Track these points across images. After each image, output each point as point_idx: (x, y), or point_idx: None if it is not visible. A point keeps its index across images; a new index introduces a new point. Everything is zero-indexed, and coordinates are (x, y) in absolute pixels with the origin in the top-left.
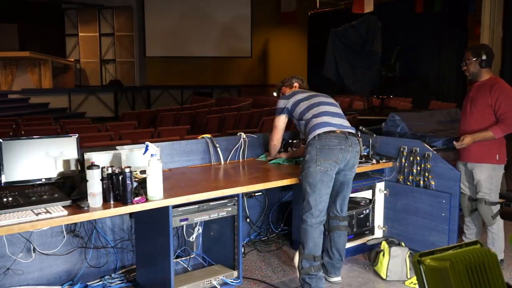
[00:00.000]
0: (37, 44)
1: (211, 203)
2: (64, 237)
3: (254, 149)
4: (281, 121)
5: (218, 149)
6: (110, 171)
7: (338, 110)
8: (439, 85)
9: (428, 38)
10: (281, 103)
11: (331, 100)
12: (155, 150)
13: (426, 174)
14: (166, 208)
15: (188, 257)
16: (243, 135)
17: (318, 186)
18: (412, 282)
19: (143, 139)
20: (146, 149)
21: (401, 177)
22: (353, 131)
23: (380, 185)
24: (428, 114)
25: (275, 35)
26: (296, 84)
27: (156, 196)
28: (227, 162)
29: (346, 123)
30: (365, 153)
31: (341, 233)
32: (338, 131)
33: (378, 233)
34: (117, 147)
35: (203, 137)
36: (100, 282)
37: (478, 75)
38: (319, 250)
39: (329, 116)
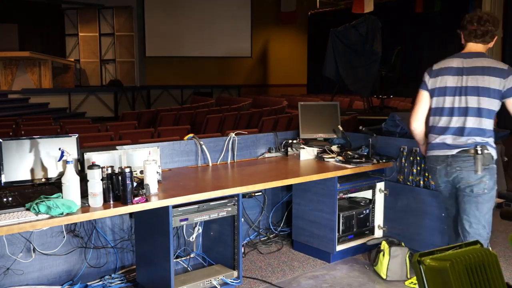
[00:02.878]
0: (37, 44)
1: (211, 203)
2: (64, 237)
3: (248, 149)
4: None
5: (205, 148)
6: (110, 171)
7: None
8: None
9: (428, 38)
10: None
11: None
12: (70, 157)
13: (426, 174)
14: (166, 208)
15: (188, 257)
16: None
17: None
18: (412, 282)
19: (143, 139)
20: (62, 155)
21: (401, 177)
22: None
23: (380, 185)
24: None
25: (275, 35)
26: None
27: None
28: (218, 164)
29: None
30: (365, 153)
31: None
32: None
33: (378, 233)
34: (117, 147)
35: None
36: (100, 282)
37: None
38: None
39: None
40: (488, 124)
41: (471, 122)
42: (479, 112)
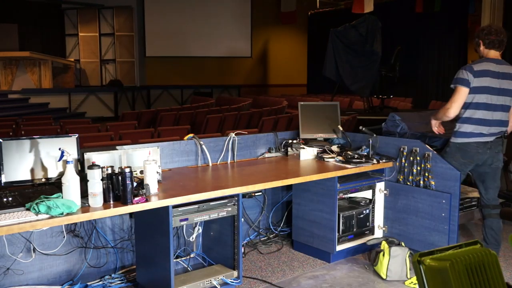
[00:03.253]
0: (37, 44)
1: (211, 203)
2: (64, 237)
3: (248, 149)
4: None
5: (205, 148)
6: (110, 171)
7: None
8: (439, 85)
9: (428, 38)
10: None
11: None
12: (70, 157)
13: (426, 174)
14: (166, 208)
15: (188, 257)
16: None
17: None
18: (412, 282)
19: (143, 139)
20: (62, 155)
21: (401, 177)
22: None
23: (380, 185)
24: (428, 114)
25: (275, 35)
26: None
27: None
28: (218, 164)
29: None
30: (365, 153)
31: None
32: None
33: (378, 233)
34: (117, 147)
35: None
36: (100, 282)
37: None
38: None
39: None
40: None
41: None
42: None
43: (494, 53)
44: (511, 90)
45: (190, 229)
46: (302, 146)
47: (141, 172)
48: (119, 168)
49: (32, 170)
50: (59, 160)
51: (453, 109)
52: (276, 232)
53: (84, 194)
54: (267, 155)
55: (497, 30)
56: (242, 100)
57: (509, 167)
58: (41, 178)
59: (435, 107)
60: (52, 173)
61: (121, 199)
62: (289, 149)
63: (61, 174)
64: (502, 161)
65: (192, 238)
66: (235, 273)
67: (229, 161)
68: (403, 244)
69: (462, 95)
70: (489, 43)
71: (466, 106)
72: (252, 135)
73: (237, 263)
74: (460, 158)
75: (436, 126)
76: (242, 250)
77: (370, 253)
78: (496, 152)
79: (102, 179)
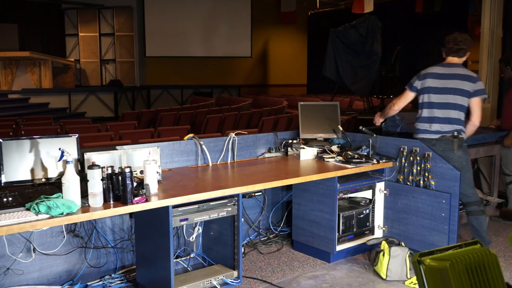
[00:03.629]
0: (37, 44)
1: (211, 203)
2: (64, 237)
3: (248, 149)
4: None
5: (205, 148)
6: (110, 171)
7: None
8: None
9: (428, 38)
10: None
11: None
12: (70, 157)
13: (426, 174)
14: (166, 208)
15: (188, 257)
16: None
17: None
18: (412, 282)
19: (143, 139)
20: (62, 155)
21: (401, 177)
22: None
23: (380, 185)
24: None
25: (275, 35)
26: None
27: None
28: (218, 164)
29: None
30: (365, 153)
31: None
32: None
33: (378, 233)
34: (117, 147)
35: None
36: (100, 282)
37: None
38: None
39: None
40: (462, 116)
41: (453, 114)
42: (457, 107)
43: (450, 59)
44: (458, 89)
45: (190, 229)
46: (302, 146)
47: (141, 172)
48: (119, 168)
49: (32, 170)
50: (59, 160)
51: (395, 105)
52: (276, 232)
53: (84, 194)
54: (267, 155)
55: (456, 39)
56: (242, 100)
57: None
58: (41, 178)
59: None
60: (52, 173)
61: (121, 199)
62: (289, 149)
63: (61, 174)
64: (465, 161)
65: (192, 238)
66: (235, 273)
67: (229, 161)
68: (403, 244)
69: (404, 95)
70: (447, 50)
71: (419, 106)
72: (252, 135)
73: (237, 263)
74: None
75: (376, 118)
76: (242, 250)
77: (370, 253)
78: (442, 150)
79: (102, 179)
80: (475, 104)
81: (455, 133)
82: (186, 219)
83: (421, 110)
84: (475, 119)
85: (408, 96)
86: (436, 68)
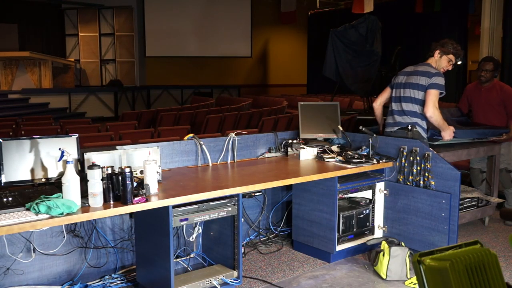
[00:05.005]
0: (37, 44)
1: (211, 203)
2: (64, 237)
3: (248, 149)
4: None
5: (205, 148)
6: (110, 171)
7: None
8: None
9: (428, 38)
10: None
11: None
12: (70, 157)
13: (426, 174)
14: (166, 208)
15: (188, 257)
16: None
17: None
18: (412, 282)
19: (143, 139)
20: (62, 155)
21: (401, 177)
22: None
23: (380, 185)
24: None
25: (275, 35)
26: None
27: (72, 207)
28: (218, 164)
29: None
30: (365, 153)
31: None
32: None
33: (378, 233)
34: (117, 147)
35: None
36: (100, 282)
37: (490, 81)
38: None
39: None
40: (418, 108)
41: (408, 107)
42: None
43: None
44: (415, 84)
45: (190, 229)
46: (302, 146)
47: (141, 172)
48: (119, 168)
49: (32, 170)
50: (59, 160)
51: (376, 100)
52: (276, 232)
53: (84, 194)
54: (267, 155)
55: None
56: (242, 100)
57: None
58: (41, 178)
59: None
60: (52, 173)
61: (121, 199)
62: (289, 149)
63: (61, 174)
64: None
65: (192, 238)
66: (235, 273)
67: (229, 161)
68: (403, 244)
69: (384, 92)
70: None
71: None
72: (252, 135)
73: (237, 263)
74: None
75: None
76: (242, 250)
77: (370, 253)
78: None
79: (102, 179)
80: (427, 96)
81: (409, 126)
82: (186, 219)
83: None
84: (426, 110)
85: (385, 92)
86: (410, 67)
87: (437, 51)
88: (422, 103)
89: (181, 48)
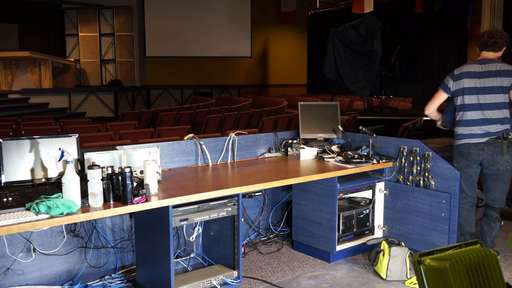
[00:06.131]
0: (37, 44)
1: (211, 203)
2: (64, 237)
3: (248, 149)
4: None
5: (205, 148)
6: (110, 171)
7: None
8: (439, 85)
9: (428, 38)
10: None
11: None
12: (70, 157)
13: (426, 174)
14: (166, 208)
15: (188, 257)
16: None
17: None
18: (412, 282)
19: (143, 139)
20: (62, 155)
21: (401, 177)
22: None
23: (380, 185)
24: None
25: (275, 35)
26: None
27: (72, 207)
28: (218, 164)
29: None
30: (365, 153)
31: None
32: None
33: (378, 233)
34: (117, 147)
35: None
36: (100, 282)
37: None
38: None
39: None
40: (505, 113)
41: (494, 114)
42: (498, 106)
43: (485, 54)
44: (496, 87)
45: (190, 229)
46: (302, 146)
47: (141, 172)
48: (119, 168)
49: (32, 170)
50: (59, 160)
51: (429, 106)
52: (276, 232)
53: (84, 194)
54: (267, 155)
55: (491, 32)
56: (242, 100)
57: None
58: (41, 178)
59: None
60: (52, 173)
61: (121, 199)
62: (289, 149)
63: (61, 174)
64: (509, 165)
65: (192, 238)
66: (235, 273)
67: (229, 161)
68: (403, 244)
69: (438, 96)
70: (481, 45)
71: (458, 109)
72: (252, 135)
73: (237, 263)
74: (460, 159)
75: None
76: (242, 250)
77: (370, 253)
78: (491, 154)
79: (102, 179)
80: None
81: (504, 135)
82: (186, 219)
83: (460, 112)
84: None
85: (441, 97)
86: (472, 66)
87: (504, 48)
88: (507, 105)
89: (181, 48)
